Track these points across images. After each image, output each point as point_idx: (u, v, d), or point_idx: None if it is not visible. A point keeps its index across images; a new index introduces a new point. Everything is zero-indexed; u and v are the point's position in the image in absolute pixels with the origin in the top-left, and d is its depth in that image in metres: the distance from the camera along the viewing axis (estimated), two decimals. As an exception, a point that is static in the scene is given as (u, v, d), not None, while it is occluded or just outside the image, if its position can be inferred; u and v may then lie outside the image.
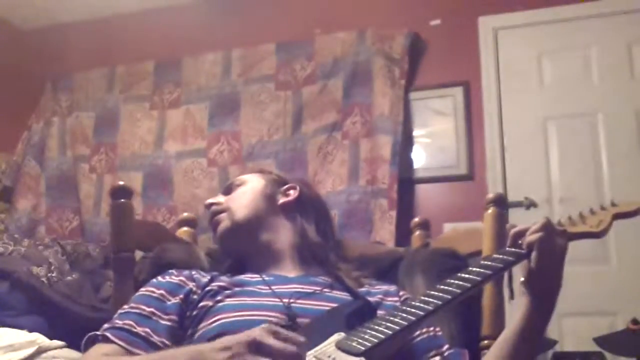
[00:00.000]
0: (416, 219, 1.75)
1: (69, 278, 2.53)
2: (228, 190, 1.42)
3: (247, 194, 1.37)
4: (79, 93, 3.75)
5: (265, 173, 1.47)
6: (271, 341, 0.88)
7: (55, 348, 2.16)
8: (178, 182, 3.40)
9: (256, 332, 0.90)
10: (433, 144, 3.15)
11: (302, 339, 0.91)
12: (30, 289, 2.38)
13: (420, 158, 3.15)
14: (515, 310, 1.08)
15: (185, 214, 1.79)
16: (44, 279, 2.44)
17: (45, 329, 2.25)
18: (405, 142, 3.09)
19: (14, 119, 3.77)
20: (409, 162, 3.12)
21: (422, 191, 3.12)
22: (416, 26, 3.24)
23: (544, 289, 1.04)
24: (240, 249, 1.34)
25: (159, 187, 3.43)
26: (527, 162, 3.00)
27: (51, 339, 2.19)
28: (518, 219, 2.88)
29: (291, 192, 1.39)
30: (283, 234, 1.32)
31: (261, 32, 3.49)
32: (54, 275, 2.50)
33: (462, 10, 3.24)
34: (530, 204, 2.92)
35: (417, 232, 1.72)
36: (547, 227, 1.01)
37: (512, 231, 1.05)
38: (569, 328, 2.72)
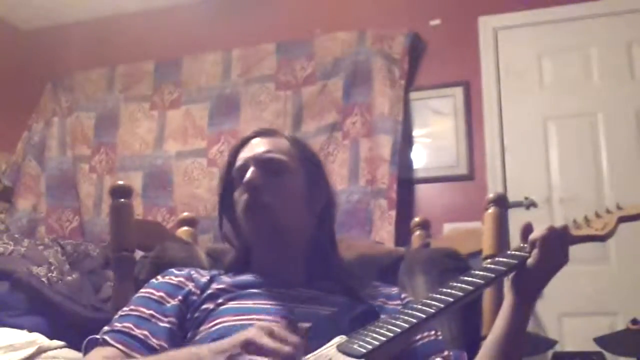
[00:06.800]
0: (416, 219, 1.75)
1: (69, 278, 2.53)
2: (267, 164, 1.22)
3: (294, 197, 1.22)
4: (79, 93, 3.75)
5: (302, 160, 1.27)
6: (265, 340, 0.87)
7: (55, 348, 2.16)
8: (178, 182, 3.40)
9: (251, 332, 0.89)
10: (433, 144, 3.15)
11: (297, 339, 0.89)
12: (30, 289, 2.38)
13: (420, 158, 3.15)
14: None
15: (185, 214, 1.78)
16: (44, 279, 2.44)
17: (45, 329, 2.25)
18: (405, 142, 3.09)
19: (14, 119, 3.77)
20: (409, 162, 3.12)
21: (422, 191, 3.12)
22: (416, 26, 3.24)
23: (529, 289, 1.07)
24: (265, 244, 1.24)
25: (159, 187, 3.43)
26: (527, 162, 3.00)
27: (51, 339, 2.19)
28: (518, 219, 2.88)
29: (322, 199, 1.26)
30: (302, 241, 1.24)
31: (261, 32, 3.49)
32: (54, 275, 2.50)
33: (462, 10, 3.24)
34: (530, 204, 2.92)
35: (417, 232, 1.72)
36: (554, 229, 1.03)
37: (523, 225, 1.07)
38: (569, 328, 2.73)
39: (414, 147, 3.15)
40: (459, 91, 3.14)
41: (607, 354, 2.32)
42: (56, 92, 3.79)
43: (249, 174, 1.20)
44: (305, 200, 1.24)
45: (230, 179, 1.28)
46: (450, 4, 3.28)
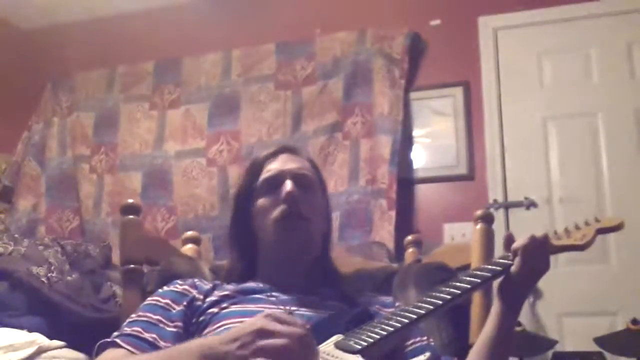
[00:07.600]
0: (409, 237, 1.86)
1: (69, 278, 2.52)
2: (301, 179, 1.30)
3: (319, 212, 1.32)
4: (79, 93, 3.75)
5: (322, 186, 1.39)
6: (276, 326, 0.91)
7: (55, 348, 2.16)
8: (178, 182, 3.40)
9: (261, 321, 0.93)
10: (433, 144, 3.15)
11: (304, 322, 0.94)
12: (30, 289, 2.38)
13: (420, 158, 3.15)
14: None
15: (189, 233, 1.86)
16: (44, 279, 2.44)
17: (45, 329, 2.25)
18: (405, 142, 3.09)
19: (14, 119, 3.77)
20: (409, 162, 3.12)
21: (422, 191, 3.12)
22: (416, 26, 3.24)
23: (514, 295, 1.13)
24: (288, 253, 1.29)
25: (159, 187, 3.43)
26: (527, 162, 3.00)
27: (51, 339, 2.19)
28: (518, 219, 2.90)
29: (329, 215, 1.39)
30: (314, 252, 1.33)
31: (261, 32, 3.49)
32: (54, 275, 2.49)
33: (462, 10, 3.24)
34: (530, 204, 2.92)
35: (410, 249, 1.83)
36: (534, 238, 1.10)
37: (505, 235, 1.15)
38: (569, 328, 2.73)
39: (414, 147, 3.15)
40: (459, 91, 3.14)
41: (607, 354, 2.33)
42: (56, 92, 3.79)
43: (289, 186, 1.26)
44: (322, 215, 1.34)
45: (250, 188, 1.33)
46: (450, 4, 3.28)
